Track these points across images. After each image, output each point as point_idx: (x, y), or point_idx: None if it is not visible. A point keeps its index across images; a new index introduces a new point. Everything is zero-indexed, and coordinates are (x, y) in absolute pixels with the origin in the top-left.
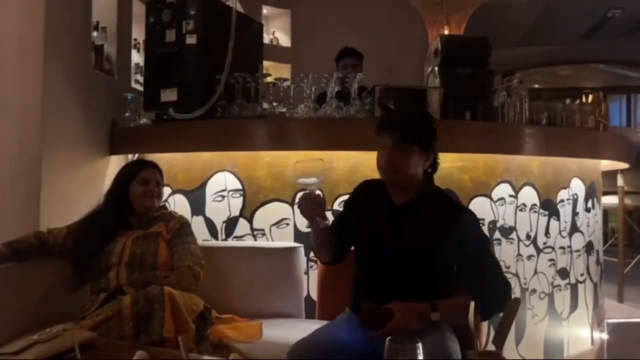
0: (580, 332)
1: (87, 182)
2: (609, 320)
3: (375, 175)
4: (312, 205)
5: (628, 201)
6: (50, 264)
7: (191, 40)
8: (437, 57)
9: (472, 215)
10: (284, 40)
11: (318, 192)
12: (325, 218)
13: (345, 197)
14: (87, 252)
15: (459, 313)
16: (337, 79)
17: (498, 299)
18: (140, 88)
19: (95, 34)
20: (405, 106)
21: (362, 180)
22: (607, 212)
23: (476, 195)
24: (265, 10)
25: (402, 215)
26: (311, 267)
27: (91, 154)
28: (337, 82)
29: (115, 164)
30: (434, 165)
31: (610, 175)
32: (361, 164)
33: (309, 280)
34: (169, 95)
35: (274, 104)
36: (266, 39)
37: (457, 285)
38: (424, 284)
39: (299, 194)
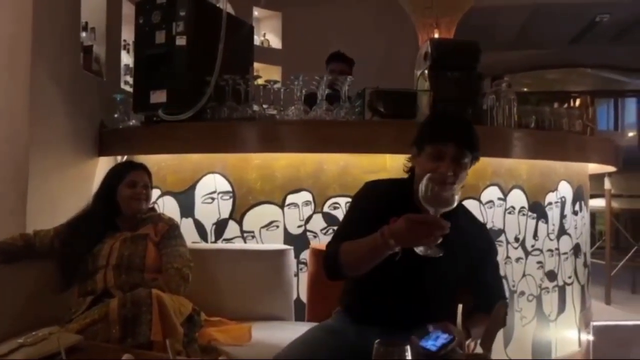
0: (567, 334)
1: (75, 184)
2: (595, 323)
3: (366, 177)
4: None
5: (615, 204)
6: (36, 266)
7: (181, 41)
8: (426, 60)
9: (486, 229)
10: (275, 42)
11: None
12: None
13: (336, 199)
14: (74, 254)
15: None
16: (328, 81)
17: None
18: (130, 89)
19: (84, 34)
20: (457, 116)
21: (351, 182)
22: (594, 215)
23: (465, 198)
24: (256, 12)
25: None
26: (301, 269)
27: (79, 155)
28: (328, 85)
29: (103, 165)
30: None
31: (598, 178)
32: (351, 166)
33: (299, 282)
34: (159, 96)
35: (264, 106)
36: (257, 40)
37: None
38: (439, 293)
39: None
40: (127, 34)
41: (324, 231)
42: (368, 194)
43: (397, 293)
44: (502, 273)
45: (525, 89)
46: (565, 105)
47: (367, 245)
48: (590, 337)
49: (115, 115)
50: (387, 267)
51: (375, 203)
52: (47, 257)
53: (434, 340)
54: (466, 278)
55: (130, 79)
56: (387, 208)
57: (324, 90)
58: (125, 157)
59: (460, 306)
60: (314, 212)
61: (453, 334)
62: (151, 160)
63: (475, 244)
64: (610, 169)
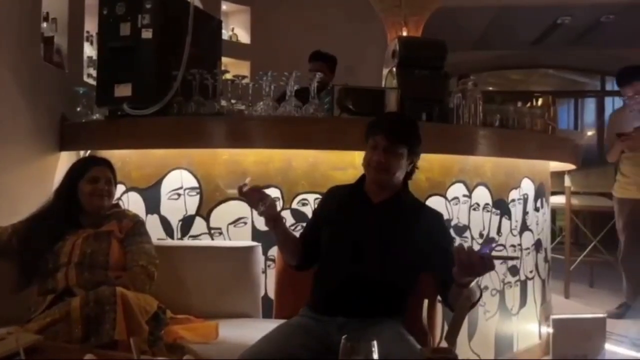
0: (528, 327)
1: (36, 180)
2: (555, 316)
3: (334, 174)
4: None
5: (575, 201)
6: None
7: (147, 34)
8: (394, 58)
9: (442, 217)
10: (244, 37)
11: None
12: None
13: (305, 195)
14: (33, 252)
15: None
16: (297, 78)
17: None
18: (93, 82)
19: (45, 25)
20: (397, 112)
21: (320, 179)
22: (555, 212)
23: (431, 195)
24: (224, 6)
25: (379, 211)
26: (269, 266)
27: (40, 150)
28: (297, 81)
29: (65, 160)
30: (412, 174)
31: (558, 176)
32: (320, 162)
33: (267, 279)
34: (123, 90)
35: (232, 101)
36: (225, 35)
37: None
38: (393, 277)
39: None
40: (90, 25)
41: (292, 227)
42: (325, 197)
43: (352, 282)
44: None
45: (490, 88)
46: (528, 105)
47: None
48: (550, 330)
49: (78, 109)
50: (339, 259)
51: (326, 202)
52: (4, 255)
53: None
54: (419, 264)
55: (93, 72)
56: (344, 207)
57: (292, 86)
58: (89, 152)
59: (426, 301)
60: (283, 209)
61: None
62: (115, 156)
63: (425, 230)
64: (571, 166)
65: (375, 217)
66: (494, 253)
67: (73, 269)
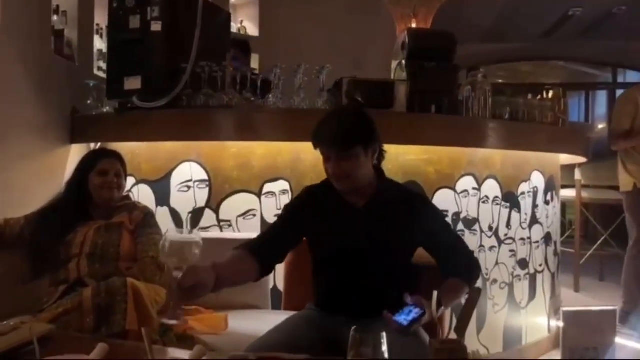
0: (538, 321)
1: (47, 172)
2: (565, 309)
3: None
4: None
5: (585, 194)
6: (6, 255)
7: (156, 27)
8: (404, 50)
9: (428, 201)
10: (252, 30)
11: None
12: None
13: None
14: (45, 243)
15: (459, 297)
16: (305, 70)
17: (471, 276)
18: (103, 75)
19: (55, 18)
20: (336, 111)
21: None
22: (565, 205)
23: (440, 188)
24: None
25: (366, 217)
26: None
27: (51, 143)
28: (306, 74)
29: (76, 153)
30: (380, 158)
31: (569, 169)
32: None
33: (276, 271)
34: (133, 83)
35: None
36: (234, 28)
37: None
38: (395, 277)
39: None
40: (100, 18)
41: None
42: (304, 199)
43: (353, 290)
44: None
45: (500, 81)
46: (539, 97)
47: None
48: (560, 323)
49: (88, 102)
50: (337, 268)
51: (303, 205)
52: (17, 246)
53: (407, 315)
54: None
55: (103, 65)
56: (319, 209)
57: (301, 79)
58: (99, 145)
59: (435, 293)
60: None
61: (424, 309)
62: (125, 148)
63: (414, 217)
64: (581, 160)
65: (363, 222)
66: (413, 315)
67: (84, 260)
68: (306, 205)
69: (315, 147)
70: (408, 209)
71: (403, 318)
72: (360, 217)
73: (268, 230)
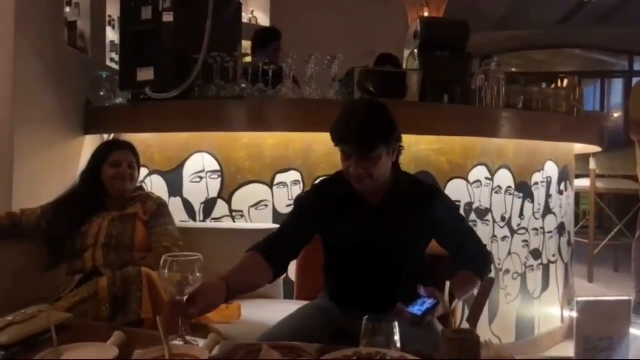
0: (550, 311)
1: (61, 163)
2: (579, 298)
3: None
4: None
5: (599, 184)
6: (23, 245)
7: (168, 18)
8: (416, 39)
9: (442, 194)
10: (263, 20)
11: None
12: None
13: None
14: (60, 233)
15: (470, 290)
16: (317, 60)
17: (484, 269)
18: (116, 66)
19: (68, 9)
20: (356, 107)
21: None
22: (579, 195)
23: (453, 178)
24: None
25: (381, 213)
26: None
27: (65, 134)
28: (317, 63)
29: (90, 144)
30: (399, 155)
31: (583, 158)
32: None
33: None
34: (146, 74)
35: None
36: (245, 18)
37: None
38: (405, 275)
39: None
40: (112, 10)
41: None
42: (317, 193)
43: (366, 276)
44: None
45: (513, 69)
46: (553, 86)
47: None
48: (574, 313)
49: (101, 93)
50: (350, 265)
51: (317, 199)
52: (33, 236)
53: (420, 306)
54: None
55: (115, 56)
56: (333, 205)
57: (313, 69)
58: (112, 136)
59: (447, 283)
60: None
61: (438, 299)
62: (138, 139)
63: (428, 211)
64: (596, 149)
65: (377, 218)
66: (426, 306)
67: (100, 249)
68: (319, 201)
69: (336, 145)
70: (422, 202)
71: (417, 309)
72: (375, 214)
73: (280, 229)
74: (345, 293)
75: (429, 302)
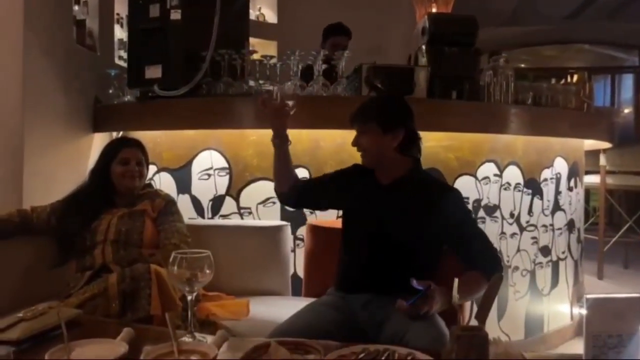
0: (560, 308)
1: (71, 160)
2: (588, 295)
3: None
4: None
5: (609, 180)
6: (33, 242)
7: (176, 15)
8: (424, 35)
9: (458, 193)
10: (270, 17)
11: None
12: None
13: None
14: (70, 230)
15: (476, 291)
16: (324, 56)
17: (491, 269)
18: (124, 64)
19: (76, 7)
20: (376, 95)
21: (348, 159)
22: (588, 191)
23: (461, 174)
24: None
25: (387, 193)
26: (298, 245)
27: (74, 132)
28: (324, 60)
29: (99, 141)
30: (410, 146)
31: (593, 154)
32: (347, 143)
33: (296, 258)
34: (154, 72)
35: (260, 81)
36: (252, 15)
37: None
38: (408, 261)
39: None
40: (120, 8)
41: None
42: (342, 170)
43: (375, 263)
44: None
45: (522, 65)
46: (562, 82)
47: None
48: (584, 310)
49: (110, 91)
50: (360, 241)
51: (340, 175)
52: (43, 233)
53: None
54: (437, 242)
55: (124, 54)
56: (351, 182)
57: (320, 65)
58: (121, 134)
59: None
60: None
61: (426, 288)
62: (147, 136)
63: (438, 204)
64: (606, 145)
65: (384, 198)
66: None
67: (109, 246)
68: (349, 176)
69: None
70: (433, 195)
71: (410, 302)
72: (383, 192)
73: (315, 177)
74: (352, 275)
75: (420, 294)
